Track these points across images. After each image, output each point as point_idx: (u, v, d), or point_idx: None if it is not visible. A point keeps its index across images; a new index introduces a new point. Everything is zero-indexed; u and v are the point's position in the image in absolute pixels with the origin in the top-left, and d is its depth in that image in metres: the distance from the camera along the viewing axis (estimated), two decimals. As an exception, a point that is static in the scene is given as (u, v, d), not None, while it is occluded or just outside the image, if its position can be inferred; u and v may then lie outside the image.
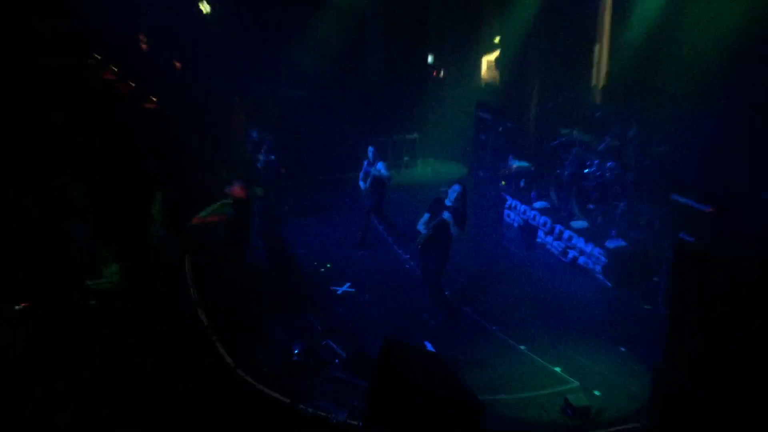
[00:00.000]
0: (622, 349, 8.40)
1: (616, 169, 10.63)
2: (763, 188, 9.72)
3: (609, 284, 10.07)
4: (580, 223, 10.95)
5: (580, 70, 13.56)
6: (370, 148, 11.25)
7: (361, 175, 11.32)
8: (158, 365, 7.81)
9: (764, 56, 9.49)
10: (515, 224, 12.39)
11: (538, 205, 11.92)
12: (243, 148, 13.39)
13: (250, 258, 10.55)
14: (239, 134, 15.71)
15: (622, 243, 10.15)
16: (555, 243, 11.22)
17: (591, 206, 10.93)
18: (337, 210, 13.32)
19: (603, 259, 10.20)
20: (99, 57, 18.50)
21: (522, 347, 8.47)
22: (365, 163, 11.25)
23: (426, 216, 8.80)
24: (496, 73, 16.42)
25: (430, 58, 17.10)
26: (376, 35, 16.28)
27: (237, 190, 10.20)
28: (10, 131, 11.51)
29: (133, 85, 17.45)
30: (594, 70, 13.97)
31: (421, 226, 8.79)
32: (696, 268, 5.86)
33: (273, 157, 12.47)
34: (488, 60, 17.18)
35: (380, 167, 11.06)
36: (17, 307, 7.87)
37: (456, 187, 8.64)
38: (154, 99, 16.97)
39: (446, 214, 8.49)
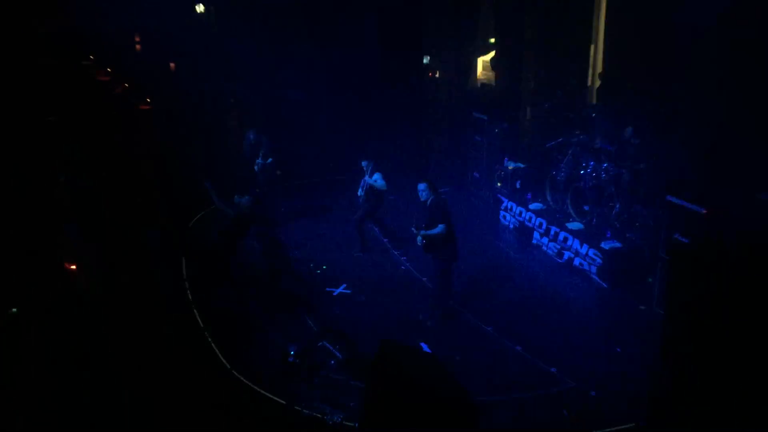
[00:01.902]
0: (618, 349, 8.42)
1: (612, 171, 10.66)
2: (760, 189, 9.77)
3: (604, 285, 10.09)
4: (575, 225, 10.97)
5: (575, 71, 13.59)
6: (363, 162, 11.12)
7: (361, 182, 11.25)
8: (154, 367, 7.80)
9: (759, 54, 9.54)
10: (511, 226, 12.40)
11: (533, 206, 11.93)
12: (238, 149, 13.38)
13: (245, 260, 10.52)
14: (234, 135, 15.72)
15: (617, 244, 10.17)
16: (550, 244, 11.24)
17: (586, 207, 10.95)
18: (333, 212, 13.31)
19: (598, 260, 10.23)
20: (93, 58, 18.48)
21: (517, 348, 8.48)
22: (255, 166, 11.13)
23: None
24: (491, 74, 16.44)
25: (425, 59, 17.11)
26: (372, 36, 16.28)
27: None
28: (5, 132, 11.48)
29: (128, 86, 17.44)
30: (589, 70, 14.01)
31: (419, 237, 8.83)
32: (690, 270, 5.88)
33: (270, 159, 12.44)
34: (484, 60, 17.21)
35: (376, 178, 10.94)
36: (12, 311, 7.85)
37: (420, 186, 8.71)
38: (148, 100, 16.96)
39: (419, 240, 8.65)
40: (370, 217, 11.41)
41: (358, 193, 11.30)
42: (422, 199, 8.77)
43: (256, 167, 12.51)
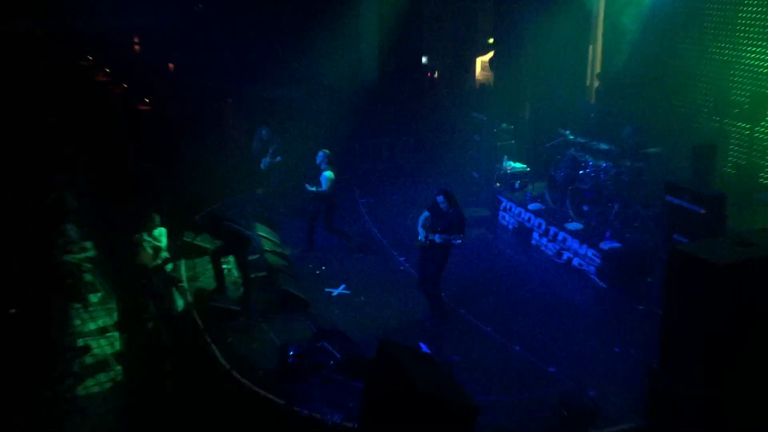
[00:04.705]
0: (617, 349, 8.42)
1: (611, 171, 10.66)
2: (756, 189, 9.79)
3: (603, 285, 10.09)
4: (574, 225, 10.97)
5: (574, 71, 13.60)
6: (320, 153, 10.93)
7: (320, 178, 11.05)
8: (153, 367, 7.80)
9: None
10: (510, 226, 12.40)
11: (532, 206, 11.93)
12: (237, 147, 13.35)
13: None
14: (232, 134, 15.71)
15: (616, 244, 10.17)
16: (549, 245, 11.24)
17: (585, 208, 10.95)
18: (332, 212, 13.27)
19: (597, 260, 10.23)
20: (92, 58, 18.46)
21: (516, 348, 8.48)
22: (262, 163, 11.03)
23: (425, 214, 8.84)
24: (490, 74, 16.44)
25: (424, 59, 17.11)
26: (371, 35, 16.27)
27: None
28: (4, 133, 11.47)
29: (126, 86, 17.41)
30: (588, 70, 14.02)
31: (419, 227, 8.82)
32: (689, 270, 5.88)
33: (279, 158, 12.35)
34: (482, 61, 17.20)
35: (322, 179, 10.73)
36: (12, 311, 7.85)
37: (439, 198, 8.71)
38: (147, 100, 16.93)
39: (437, 237, 8.62)
40: (325, 217, 11.22)
41: (307, 187, 10.96)
42: (443, 209, 8.73)
43: (263, 165, 12.43)
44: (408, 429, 5.13)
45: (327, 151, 10.95)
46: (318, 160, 10.94)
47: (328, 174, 10.76)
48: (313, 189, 10.79)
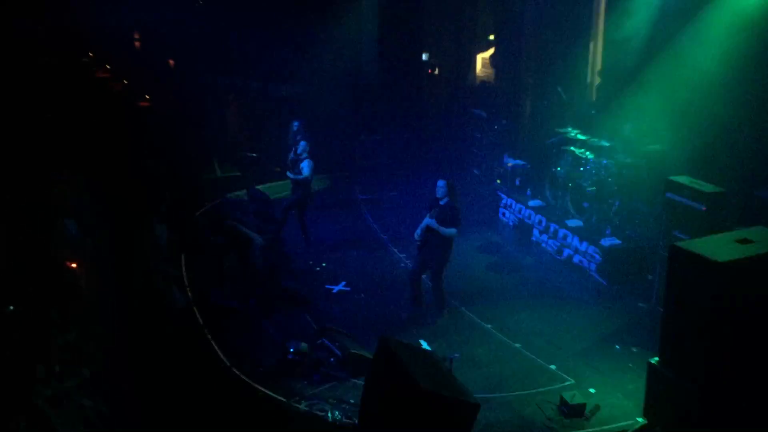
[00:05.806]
0: (617, 346, 8.43)
1: (611, 167, 10.65)
2: (757, 186, 9.77)
3: (604, 282, 10.09)
4: (574, 222, 10.97)
5: (574, 68, 13.58)
6: (302, 143, 10.98)
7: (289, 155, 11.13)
8: (153, 364, 7.80)
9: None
10: (510, 223, 12.40)
11: (533, 203, 11.93)
12: (238, 143, 13.30)
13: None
14: (233, 131, 15.71)
15: (617, 241, 10.18)
16: (550, 241, 11.24)
17: (586, 204, 10.94)
18: (332, 209, 13.29)
19: (598, 257, 10.23)
20: (92, 55, 18.43)
21: (517, 345, 8.49)
22: (290, 154, 11.05)
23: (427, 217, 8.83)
24: (490, 71, 16.42)
25: (424, 56, 17.10)
26: (371, 32, 16.25)
27: None
28: (3, 131, 11.45)
29: (127, 83, 17.38)
30: (588, 67, 13.98)
31: (418, 230, 8.81)
32: (689, 267, 5.88)
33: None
34: (483, 57, 17.17)
35: (304, 166, 10.80)
36: (9, 308, 7.83)
37: (440, 183, 8.68)
38: (148, 97, 16.91)
39: (428, 220, 8.59)
40: (299, 207, 11.21)
41: (289, 175, 11.11)
42: (438, 195, 8.73)
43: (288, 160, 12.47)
44: (408, 425, 5.14)
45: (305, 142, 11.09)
46: (300, 149, 11.00)
47: (310, 162, 10.85)
48: (294, 176, 10.90)
